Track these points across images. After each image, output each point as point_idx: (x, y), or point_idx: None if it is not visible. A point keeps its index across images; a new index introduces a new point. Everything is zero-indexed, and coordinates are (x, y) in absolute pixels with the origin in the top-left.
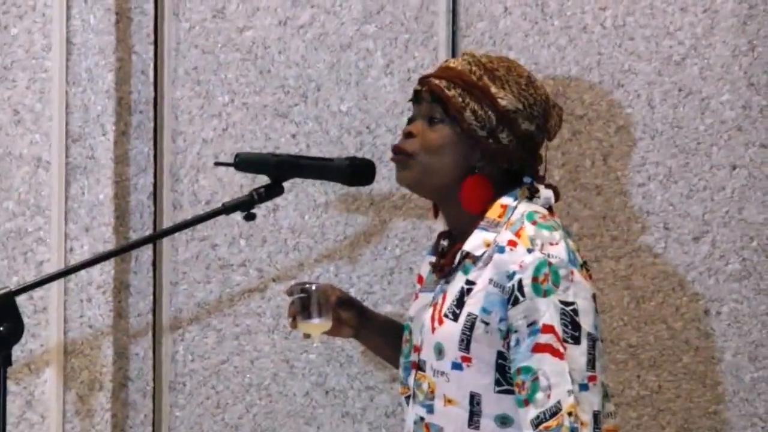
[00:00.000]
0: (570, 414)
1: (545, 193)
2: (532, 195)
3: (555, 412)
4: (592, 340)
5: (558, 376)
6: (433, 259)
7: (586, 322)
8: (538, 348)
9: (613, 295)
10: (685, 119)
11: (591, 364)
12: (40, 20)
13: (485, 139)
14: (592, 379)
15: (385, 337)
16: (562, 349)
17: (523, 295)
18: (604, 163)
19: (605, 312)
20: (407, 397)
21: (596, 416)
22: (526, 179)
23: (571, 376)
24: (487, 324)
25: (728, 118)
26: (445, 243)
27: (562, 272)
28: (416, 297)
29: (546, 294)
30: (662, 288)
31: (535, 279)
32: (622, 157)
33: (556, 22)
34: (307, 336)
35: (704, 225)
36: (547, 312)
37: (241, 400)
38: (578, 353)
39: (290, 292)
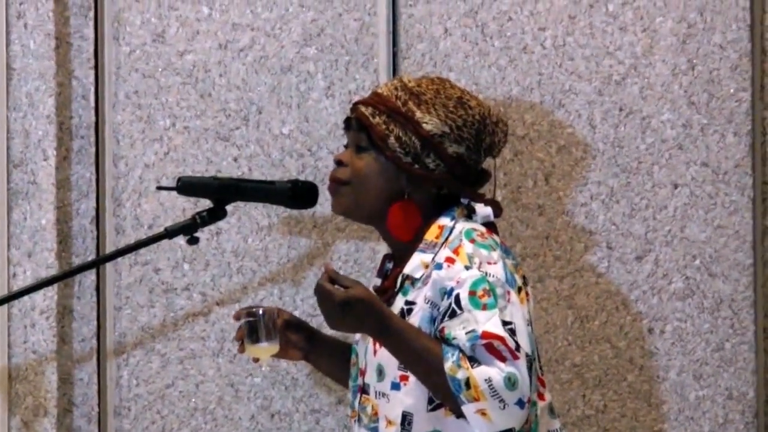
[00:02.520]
0: (467, 382)
1: (483, 210)
2: (470, 213)
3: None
4: (530, 361)
5: (494, 368)
6: (379, 282)
7: (524, 343)
8: (475, 347)
9: (556, 314)
10: (626, 138)
11: (530, 384)
12: None
13: (410, 165)
14: (529, 401)
15: (334, 359)
16: (505, 354)
17: (460, 308)
18: (546, 183)
19: (549, 332)
20: (356, 421)
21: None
22: (463, 199)
23: (506, 383)
24: None
25: (669, 137)
26: (389, 265)
27: (499, 291)
28: None
29: (486, 308)
30: (606, 307)
31: (472, 293)
32: (564, 177)
33: (496, 43)
34: (256, 360)
35: (647, 244)
36: (489, 322)
37: (186, 424)
38: (523, 368)
39: (238, 317)
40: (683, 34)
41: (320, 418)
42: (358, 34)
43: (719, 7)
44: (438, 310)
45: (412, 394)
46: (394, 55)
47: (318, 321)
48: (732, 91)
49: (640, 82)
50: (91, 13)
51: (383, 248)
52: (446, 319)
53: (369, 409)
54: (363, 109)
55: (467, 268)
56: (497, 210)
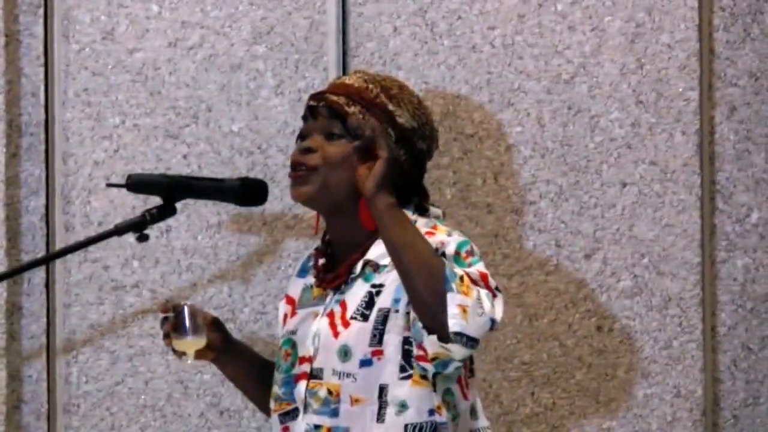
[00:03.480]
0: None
1: (435, 211)
2: (422, 212)
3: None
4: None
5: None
6: (305, 279)
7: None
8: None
9: (505, 312)
10: (575, 137)
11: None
12: None
13: None
14: (496, 329)
15: (243, 364)
16: (482, 285)
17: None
18: (495, 182)
19: (498, 330)
20: (286, 413)
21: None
22: (415, 198)
23: (488, 298)
24: (396, 311)
25: (618, 136)
26: (322, 260)
27: (479, 256)
28: (292, 315)
29: (470, 265)
30: (554, 305)
31: (457, 253)
32: (513, 176)
33: (445, 42)
34: (181, 353)
35: (595, 242)
36: (474, 269)
37: (135, 421)
38: (499, 303)
39: (164, 310)
40: (632, 33)
41: None
42: (308, 33)
43: (667, 6)
44: None
45: (386, 366)
46: (344, 53)
47: (266, 319)
48: (680, 90)
49: (589, 81)
50: (41, 11)
51: None
52: None
53: (323, 393)
54: (335, 98)
55: (449, 235)
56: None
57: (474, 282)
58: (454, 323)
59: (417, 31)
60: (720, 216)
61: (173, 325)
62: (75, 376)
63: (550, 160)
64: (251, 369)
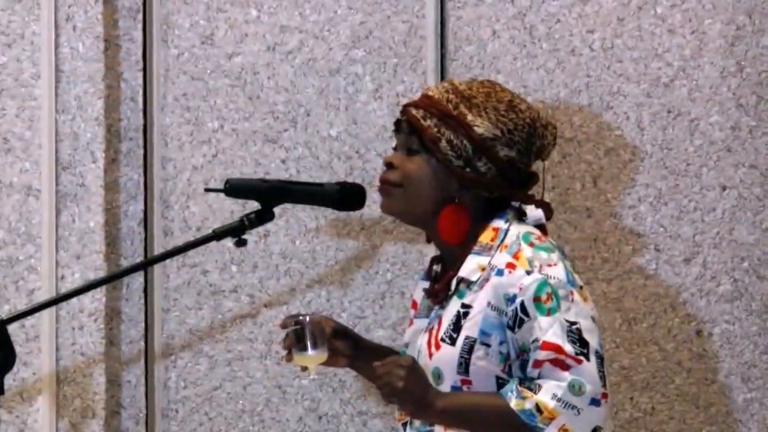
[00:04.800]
0: (537, 407)
1: (534, 213)
2: (521, 216)
3: (532, 400)
4: (600, 358)
5: (553, 381)
6: (427, 284)
7: (593, 340)
8: (536, 364)
9: (604, 317)
10: (675, 141)
11: (603, 380)
12: (28, 48)
13: (461, 168)
14: (604, 396)
15: None
16: (568, 362)
17: (527, 315)
18: (594, 186)
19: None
20: (404, 424)
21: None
22: (514, 202)
23: (572, 390)
24: (487, 346)
25: (717, 139)
26: (437, 268)
27: (561, 293)
28: (411, 323)
29: (550, 312)
30: (654, 310)
31: (537, 299)
32: (612, 180)
33: (544, 45)
34: (304, 368)
35: (695, 246)
36: (550, 329)
37: (234, 426)
38: (591, 368)
39: (284, 325)
40: (732, 36)
41: (368, 420)
42: (406, 37)
43: None
44: (506, 316)
45: None
46: (442, 57)
47: (364, 324)
48: None
49: (689, 84)
50: (140, 16)
51: (431, 250)
52: (516, 328)
53: None
54: (414, 111)
55: (528, 273)
56: (548, 212)
57: (557, 364)
58: None
59: (516, 35)
60: None
61: (295, 338)
62: (173, 380)
63: (649, 163)
64: None
